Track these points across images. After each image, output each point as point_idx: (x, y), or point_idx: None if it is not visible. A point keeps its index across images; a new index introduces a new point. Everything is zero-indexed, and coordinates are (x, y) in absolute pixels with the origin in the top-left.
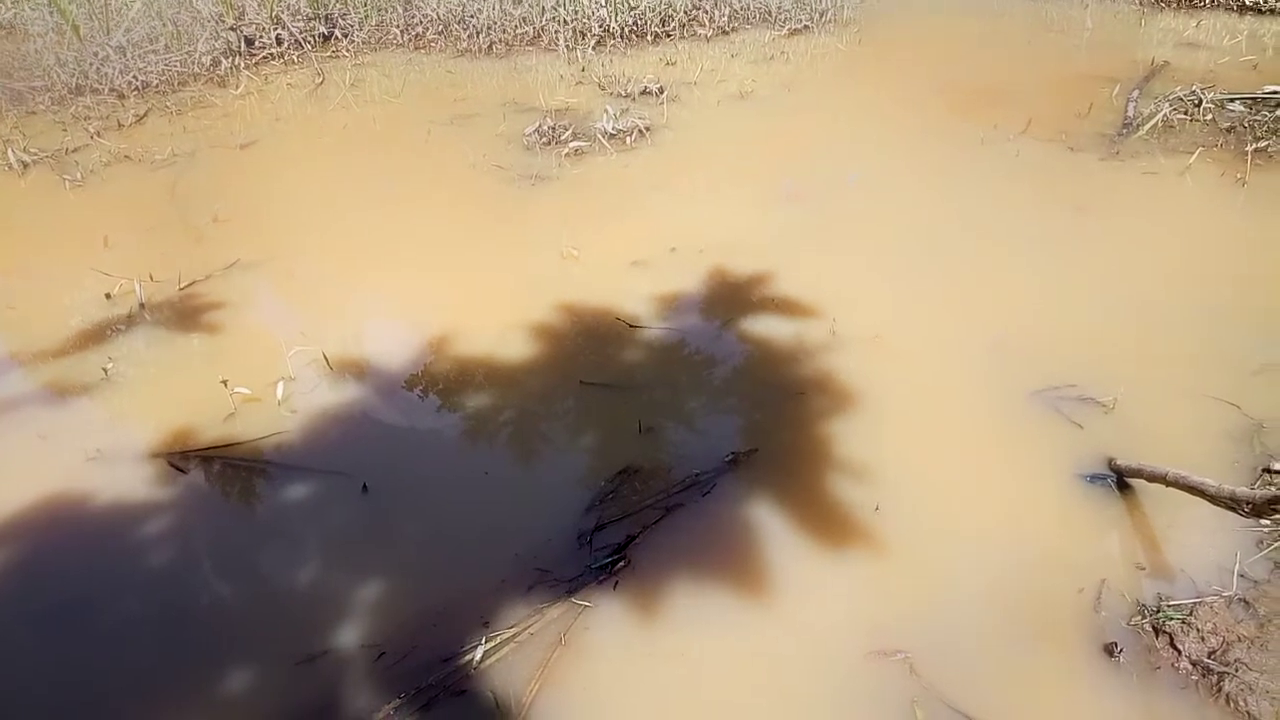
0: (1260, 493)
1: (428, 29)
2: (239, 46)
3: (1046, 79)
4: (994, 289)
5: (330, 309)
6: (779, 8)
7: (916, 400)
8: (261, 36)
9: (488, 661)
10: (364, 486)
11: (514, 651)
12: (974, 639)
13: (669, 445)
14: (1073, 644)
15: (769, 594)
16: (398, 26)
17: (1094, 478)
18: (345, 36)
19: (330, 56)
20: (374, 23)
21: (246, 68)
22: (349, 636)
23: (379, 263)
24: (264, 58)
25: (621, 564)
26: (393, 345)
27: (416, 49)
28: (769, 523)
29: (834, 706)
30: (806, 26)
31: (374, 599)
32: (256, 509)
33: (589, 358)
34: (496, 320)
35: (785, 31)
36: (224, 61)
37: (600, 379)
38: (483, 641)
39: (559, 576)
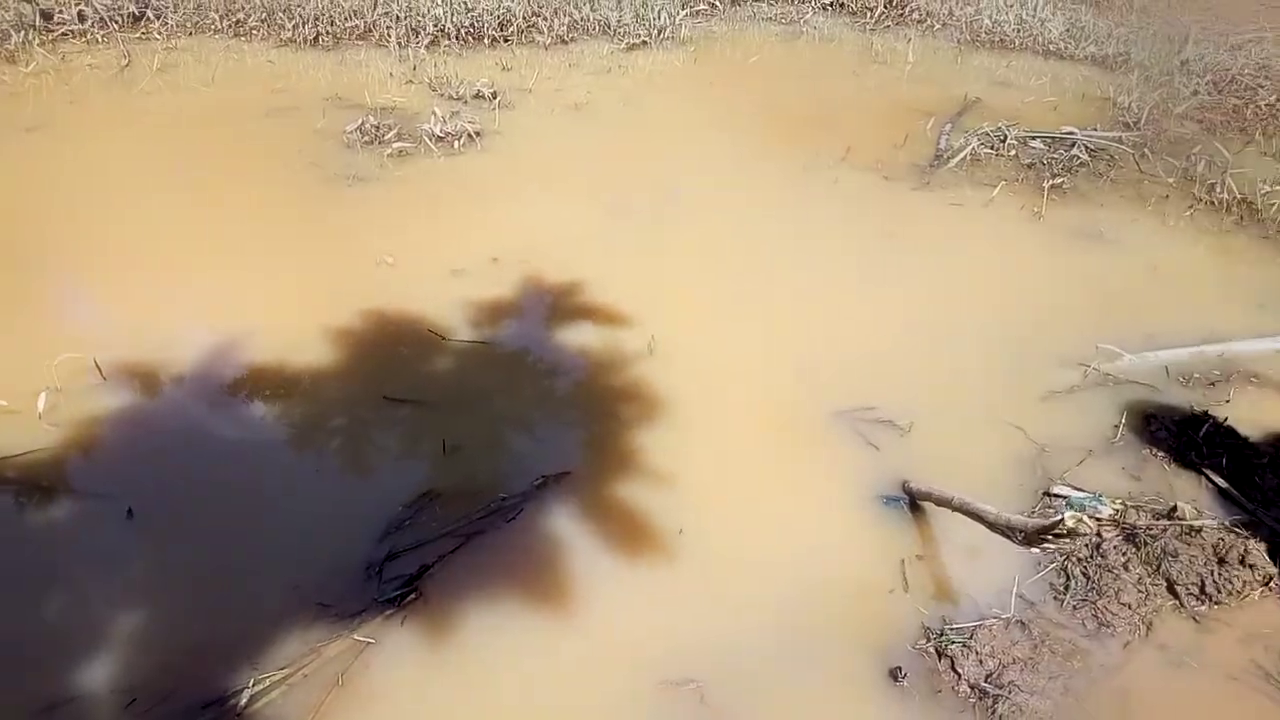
0: (1032, 521)
1: (250, 15)
2: (34, 20)
3: (868, 108)
4: (806, 309)
5: (111, 311)
6: (619, 21)
7: (728, 417)
8: (61, 11)
9: (254, 706)
10: (129, 511)
11: (284, 695)
12: (763, 665)
13: (475, 467)
14: (860, 669)
15: (569, 622)
16: (217, 11)
17: (890, 500)
18: (158, 18)
19: (140, 38)
20: (191, 5)
21: (41, 44)
22: (98, 680)
23: (171, 263)
24: (63, 34)
25: (412, 597)
26: (178, 352)
27: (236, 36)
28: (576, 547)
29: None
30: (645, 42)
31: (131, 637)
32: (1, 535)
33: (396, 371)
34: (297, 328)
35: (624, 46)
36: (14, 35)
37: (406, 394)
38: (250, 684)
39: (341, 611)
